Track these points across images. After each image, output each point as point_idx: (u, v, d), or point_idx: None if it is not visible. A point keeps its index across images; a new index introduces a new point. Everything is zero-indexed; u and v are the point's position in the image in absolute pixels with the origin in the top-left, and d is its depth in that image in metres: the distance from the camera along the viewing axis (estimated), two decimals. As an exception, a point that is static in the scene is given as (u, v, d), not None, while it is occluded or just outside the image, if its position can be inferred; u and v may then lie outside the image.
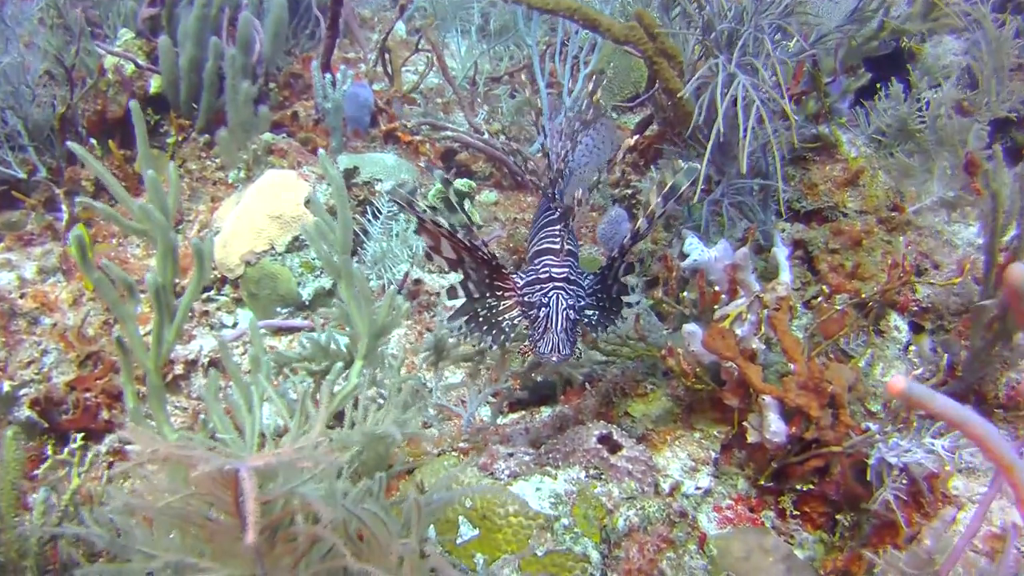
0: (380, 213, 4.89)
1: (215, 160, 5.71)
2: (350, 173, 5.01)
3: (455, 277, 3.10)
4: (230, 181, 5.51)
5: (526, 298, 2.97)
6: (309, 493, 1.64)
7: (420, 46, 7.15)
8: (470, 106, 6.20)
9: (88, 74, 5.71)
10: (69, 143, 2.69)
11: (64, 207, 5.43)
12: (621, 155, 3.10)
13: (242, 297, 4.86)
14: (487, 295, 3.09)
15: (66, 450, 2.87)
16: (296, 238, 4.78)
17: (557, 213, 3.15)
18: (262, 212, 4.79)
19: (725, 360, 2.86)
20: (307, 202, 4.77)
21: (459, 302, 3.10)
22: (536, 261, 3.06)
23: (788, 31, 3.04)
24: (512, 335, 3.10)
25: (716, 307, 3.15)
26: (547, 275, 2.97)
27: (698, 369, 3.03)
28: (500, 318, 3.10)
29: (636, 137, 4.40)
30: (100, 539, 1.75)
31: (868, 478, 2.74)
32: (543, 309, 2.83)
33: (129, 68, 5.78)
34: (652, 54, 3.83)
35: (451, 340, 3.68)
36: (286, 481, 1.68)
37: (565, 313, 2.82)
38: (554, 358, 2.81)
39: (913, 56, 4.67)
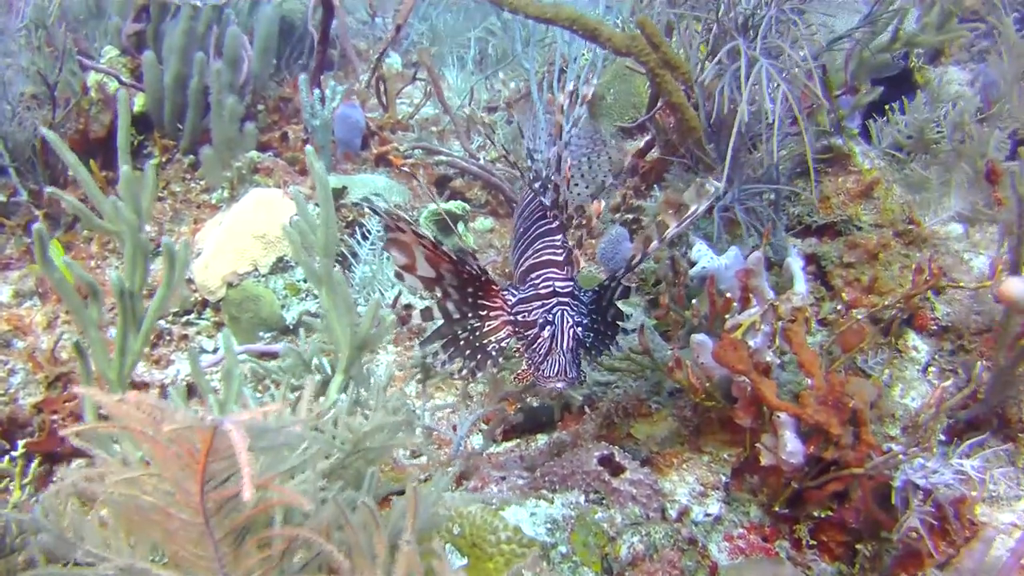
0: (369, 234, 4.71)
1: (199, 182, 5.57)
2: (338, 193, 4.84)
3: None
4: (214, 202, 5.36)
5: (520, 316, 2.73)
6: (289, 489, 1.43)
7: (416, 76, 7.08)
8: (466, 134, 6.08)
9: (72, 95, 5.59)
10: (42, 130, 2.53)
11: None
12: (628, 161, 2.93)
13: (223, 320, 4.65)
14: (469, 315, 2.81)
15: (6, 458, 2.62)
16: (281, 259, 4.59)
17: (556, 222, 2.93)
18: (245, 232, 4.60)
19: (737, 374, 2.65)
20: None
21: (437, 324, 2.82)
22: (534, 275, 2.82)
23: (805, 19, 2.91)
24: (499, 359, 2.84)
25: (727, 316, 2.95)
26: (550, 290, 2.74)
27: (708, 384, 2.82)
28: (484, 341, 2.82)
29: (646, 139, 4.25)
30: (46, 532, 1.53)
31: (892, 502, 2.54)
32: (548, 328, 2.60)
33: (112, 86, 5.66)
34: (655, 66, 3.69)
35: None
36: (265, 468, 1.46)
37: (572, 332, 2.59)
38: (560, 384, 2.58)
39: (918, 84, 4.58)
